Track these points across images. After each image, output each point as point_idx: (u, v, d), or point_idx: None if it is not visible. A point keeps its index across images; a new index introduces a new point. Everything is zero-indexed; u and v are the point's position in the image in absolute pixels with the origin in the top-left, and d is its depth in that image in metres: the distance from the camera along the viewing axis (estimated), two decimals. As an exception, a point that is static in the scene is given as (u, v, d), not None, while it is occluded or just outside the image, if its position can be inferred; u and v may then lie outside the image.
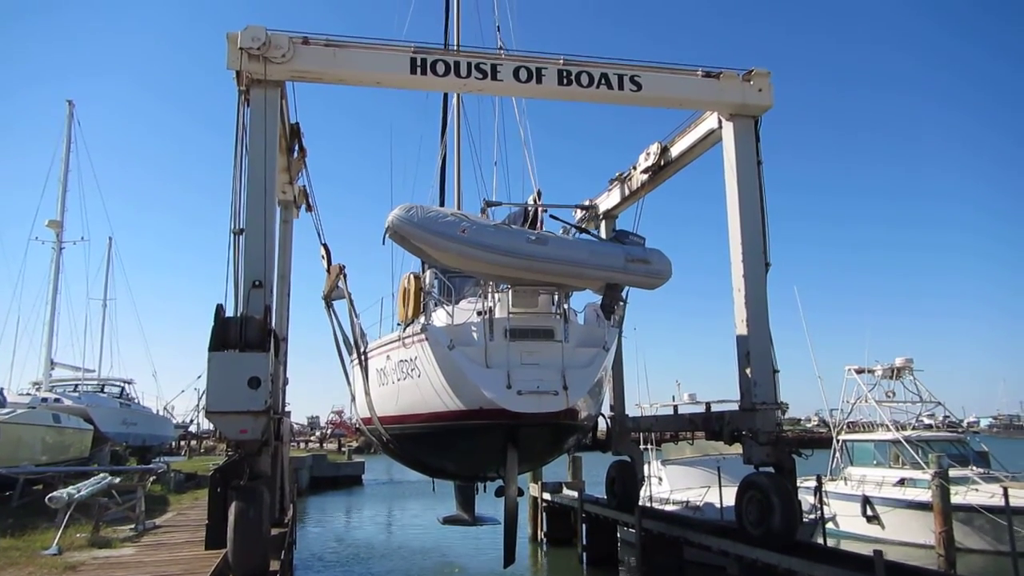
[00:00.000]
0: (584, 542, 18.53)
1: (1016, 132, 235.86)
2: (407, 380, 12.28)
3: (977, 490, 18.50)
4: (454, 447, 12.32)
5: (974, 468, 20.19)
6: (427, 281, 12.91)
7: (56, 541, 11.74)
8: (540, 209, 14.07)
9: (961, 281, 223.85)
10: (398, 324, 13.72)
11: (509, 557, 11.69)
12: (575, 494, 19.66)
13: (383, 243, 11.75)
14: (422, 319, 11.78)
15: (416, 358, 11.77)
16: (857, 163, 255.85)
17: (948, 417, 26.26)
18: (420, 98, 20.09)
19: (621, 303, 12.46)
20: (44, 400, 26.86)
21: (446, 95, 19.27)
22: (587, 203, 17.70)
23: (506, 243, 10.95)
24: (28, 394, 28.68)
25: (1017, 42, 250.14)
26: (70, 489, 13.37)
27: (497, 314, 11.26)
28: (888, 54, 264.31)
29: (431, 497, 20.87)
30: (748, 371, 12.30)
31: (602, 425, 17.09)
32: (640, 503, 16.87)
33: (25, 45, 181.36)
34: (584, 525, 18.60)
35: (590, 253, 11.74)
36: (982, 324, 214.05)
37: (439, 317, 11.96)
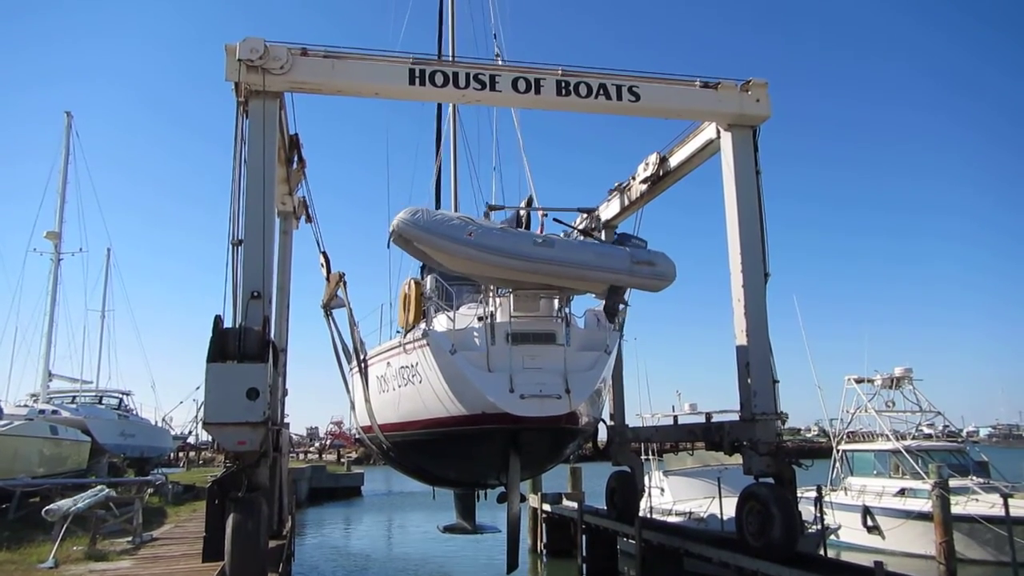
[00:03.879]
0: (584, 553, 18.44)
1: (1012, 144, 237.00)
2: (408, 386, 12.24)
3: (977, 500, 18.47)
4: (456, 453, 12.26)
5: (974, 478, 20.16)
6: (428, 286, 12.88)
7: (52, 554, 11.66)
8: (541, 213, 14.08)
9: (958, 292, 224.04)
10: (397, 331, 13.68)
11: (512, 563, 11.66)
12: (575, 505, 19.60)
13: (388, 246, 11.78)
14: (423, 324, 11.75)
15: (417, 364, 11.74)
16: (855, 173, 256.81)
17: (948, 427, 26.23)
18: (416, 106, 20.26)
19: (624, 306, 12.43)
20: (42, 412, 26.75)
21: (440, 105, 19.33)
22: (590, 208, 17.67)
23: (513, 246, 10.94)
24: (25, 406, 28.58)
25: (1016, 54, 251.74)
26: (67, 501, 13.31)
27: (498, 319, 11.25)
28: (884, 66, 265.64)
29: (431, 507, 20.81)
30: (748, 381, 12.28)
31: (602, 433, 17.03)
32: (641, 514, 16.81)
33: (22, 55, 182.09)
34: (584, 536, 18.52)
35: (596, 255, 11.71)
36: (979, 334, 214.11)
37: (440, 322, 11.94)
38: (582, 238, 15.00)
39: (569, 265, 11.26)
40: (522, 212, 14.48)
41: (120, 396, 37.35)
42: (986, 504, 18.13)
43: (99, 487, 15.51)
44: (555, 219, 13.70)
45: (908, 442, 22.32)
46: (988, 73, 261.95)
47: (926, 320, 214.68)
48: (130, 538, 13.99)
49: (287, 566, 13.83)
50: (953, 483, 17.64)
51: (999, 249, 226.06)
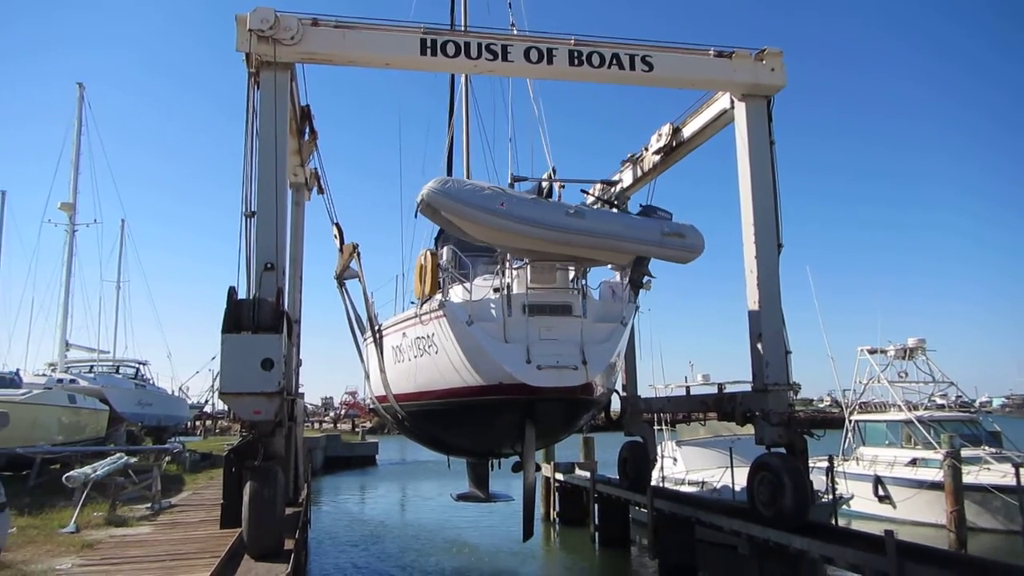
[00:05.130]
0: (596, 522, 18.63)
1: (1018, 128, 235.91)
2: (424, 357, 12.32)
3: (989, 470, 18.50)
4: (472, 423, 12.36)
5: (986, 448, 20.17)
6: (444, 258, 12.91)
7: (74, 519, 11.92)
8: (558, 185, 14.04)
9: (970, 267, 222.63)
10: (412, 302, 13.74)
11: (528, 531, 11.80)
12: (587, 474, 19.75)
13: (415, 216, 11.83)
14: (439, 295, 11.79)
15: (434, 334, 11.80)
16: (867, 146, 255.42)
17: (961, 397, 26.18)
18: (429, 78, 20.14)
19: (650, 278, 12.42)
20: (60, 381, 27.10)
21: (453, 76, 19.18)
22: (611, 180, 17.55)
23: (545, 216, 10.94)
24: (44, 375, 28.96)
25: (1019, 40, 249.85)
26: (87, 469, 13.56)
27: (514, 290, 11.27)
28: (895, 44, 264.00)
29: (445, 476, 21.05)
30: (760, 352, 12.27)
31: (615, 404, 17.10)
32: (653, 483, 16.93)
33: (35, 26, 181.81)
34: (596, 505, 18.69)
35: (626, 226, 11.72)
36: (987, 310, 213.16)
37: (456, 293, 11.98)
38: (599, 207, 14.98)
39: (601, 236, 11.27)
40: (544, 184, 14.44)
41: (136, 366, 37.76)
42: (998, 473, 18.16)
43: (118, 455, 15.77)
44: (582, 190, 13.65)
45: (920, 412, 22.30)
46: (996, 59, 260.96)
47: (940, 293, 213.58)
48: (149, 505, 14.26)
49: (303, 533, 14.05)
50: (965, 453, 17.64)
51: (1006, 225, 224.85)
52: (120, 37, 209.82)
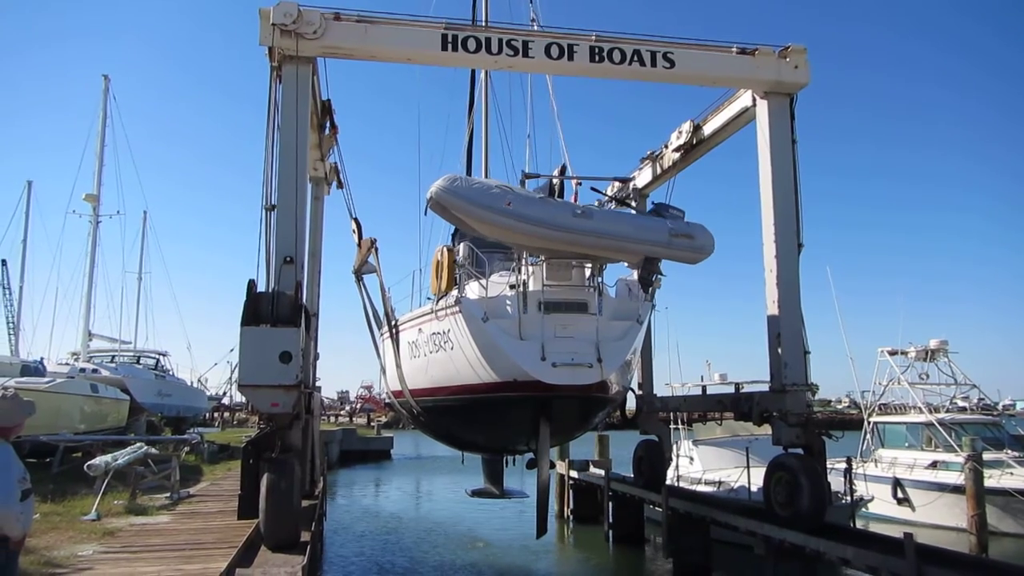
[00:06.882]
0: (610, 520, 18.61)
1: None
2: (440, 353, 12.35)
3: (1012, 473, 18.27)
4: (486, 419, 12.38)
5: (1009, 451, 19.91)
6: (461, 254, 12.94)
7: (95, 507, 12.05)
8: (575, 182, 14.00)
9: (990, 268, 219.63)
10: (428, 298, 13.79)
11: (541, 528, 11.83)
12: (602, 472, 19.73)
13: (424, 213, 11.85)
14: (455, 292, 11.83)
15: (449, 330, 11.83)
16: (886, 148, 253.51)
17: (983, 400, 25.81)
18: (449, 75, 20.26)
19: (659, 276, 12.38)
20: (82, 370, 27.42)
21: (473, 71, 19.19)
22: (625, 177, 17.49)
23: (551, 216, 10.90)
24: (67, 364, 29.30)
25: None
26: (107, 457, 13.72)
27: (531, 287, 11.27)
28: (914, 44, 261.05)
29: (459, 471, 21.09)
30: (779, 352, 12.19)
31: (631, 402, 17.06)
32: (668, 482, 16.88)
33: (57, 15, 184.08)
34: (611, 503, 18.67)
35: (634, 227, 11.66)
36: (1007, 314, 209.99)
37: (472, 290, 11.99)
38: (613, 206, 14.91)
39: (608, 237, 11.23)
40: (555, 180, 14.39)
41: (157, 356, 38.12)
42: (1021, 477, 17.94)
43: (138, 444, 15.94)
44: (592, 188, 13.62)
45: (942, 415, 22.06)
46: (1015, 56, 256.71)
47: (962, 296, 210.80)
48: (168, 494, 14.41)
49: (319, 525, 14.15)
50: (987, 456, 17.45)
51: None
52: (142, 26, 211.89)
